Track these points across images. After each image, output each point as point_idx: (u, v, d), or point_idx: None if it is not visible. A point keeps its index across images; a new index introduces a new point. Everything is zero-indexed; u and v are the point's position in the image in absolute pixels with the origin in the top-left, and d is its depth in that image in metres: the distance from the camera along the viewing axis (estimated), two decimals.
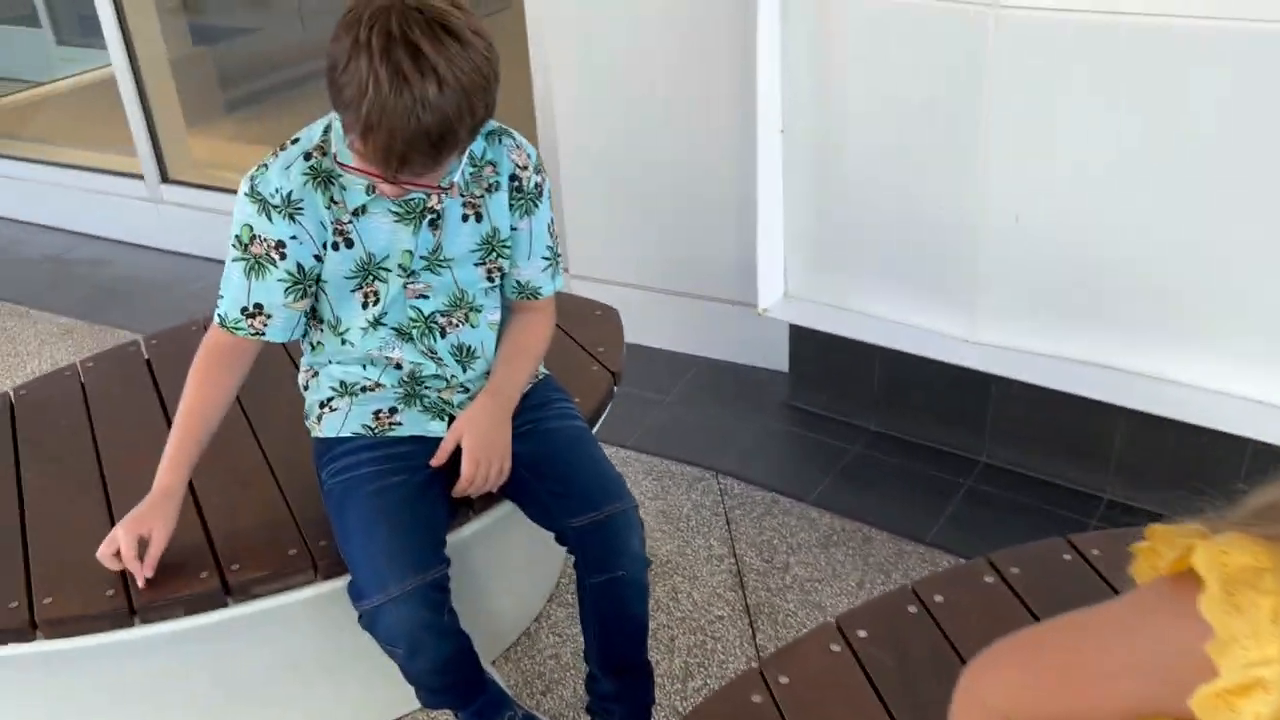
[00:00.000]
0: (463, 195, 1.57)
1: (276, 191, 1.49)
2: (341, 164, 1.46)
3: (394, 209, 1.54)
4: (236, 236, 1.53)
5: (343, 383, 1.67)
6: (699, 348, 2.98)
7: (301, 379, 1.74)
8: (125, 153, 3.91)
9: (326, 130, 1.52)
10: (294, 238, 1.51)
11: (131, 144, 3.80)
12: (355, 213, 1.52)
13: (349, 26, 1.33)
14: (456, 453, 1.62)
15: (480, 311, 1.67)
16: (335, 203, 1.51)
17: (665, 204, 2.82)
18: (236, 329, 1.55)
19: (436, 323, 1.63)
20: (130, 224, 3.92)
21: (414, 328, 1.63)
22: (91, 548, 1.54)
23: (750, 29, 2.36)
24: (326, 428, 1.68)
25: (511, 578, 2.06)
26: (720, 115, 2.62)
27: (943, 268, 2.35)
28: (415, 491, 1.60)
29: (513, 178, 1.60)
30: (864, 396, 2.63)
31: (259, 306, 1.54)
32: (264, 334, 1.56)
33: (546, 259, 1.69)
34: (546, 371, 1.82)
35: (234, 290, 1.54)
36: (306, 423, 1.73)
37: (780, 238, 2.53)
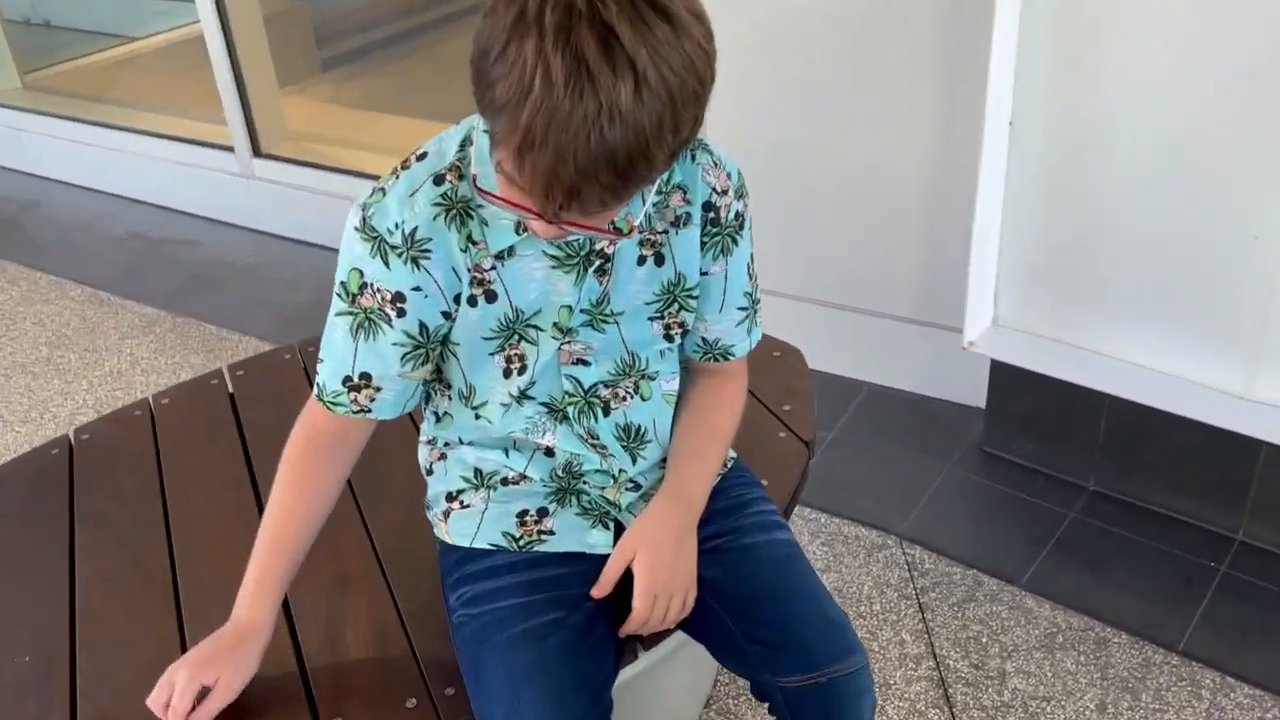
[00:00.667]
0: (641, 231, 1.14)
1: (397, 228, 1.07)
2: (482, 190, 1.03)
3: (550, 251, 1.12)
4: (342, 283, 1.11)
5: (478, 471, 1.27)
6: (871, 373, 2.52)
7: (423, 458, 1.34)
8: (216, 120, 3.56)
9: (465, 143, 1.10)
10: (417, 289, 1.09)
11: (221, 111, 3.45)
12: (499, 256, 1.11)
13: None
14: (625, 574, 1.21)
15: (654, 380, 1.25)
16: (474, 243, 1.09)
17: (837, 203, 2.35)
18: (335, 404, 1.15)
19: (599, 396, 1.22)
20: (220, 201, 3.58)
21: (570, 403, 1.21)
22: (150, 674, 1.16)
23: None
24: (456, 533, 1.27)
25: (669, 699, 1.65)
26: (922, 97, 2.13)
27: (1217, 305, 1.85)
28: (574, 636, 1.18)
29: (707, 207, 1.17)
30: (1083, 448, 2.15)
31: (366, 377, 1.14)
32: (370, 411, 1.16)
33: (743, 309, 1.26)
34: (734, 454, 1.39)
35: (336, 354, 1.14)
36: (429, 514, 1.34)
37: (995, 254, 2.05)
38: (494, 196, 1.00)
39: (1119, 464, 2.11)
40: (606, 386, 1.22)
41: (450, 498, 1.29)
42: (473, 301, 1.12)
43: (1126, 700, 1.75)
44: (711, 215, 1.17)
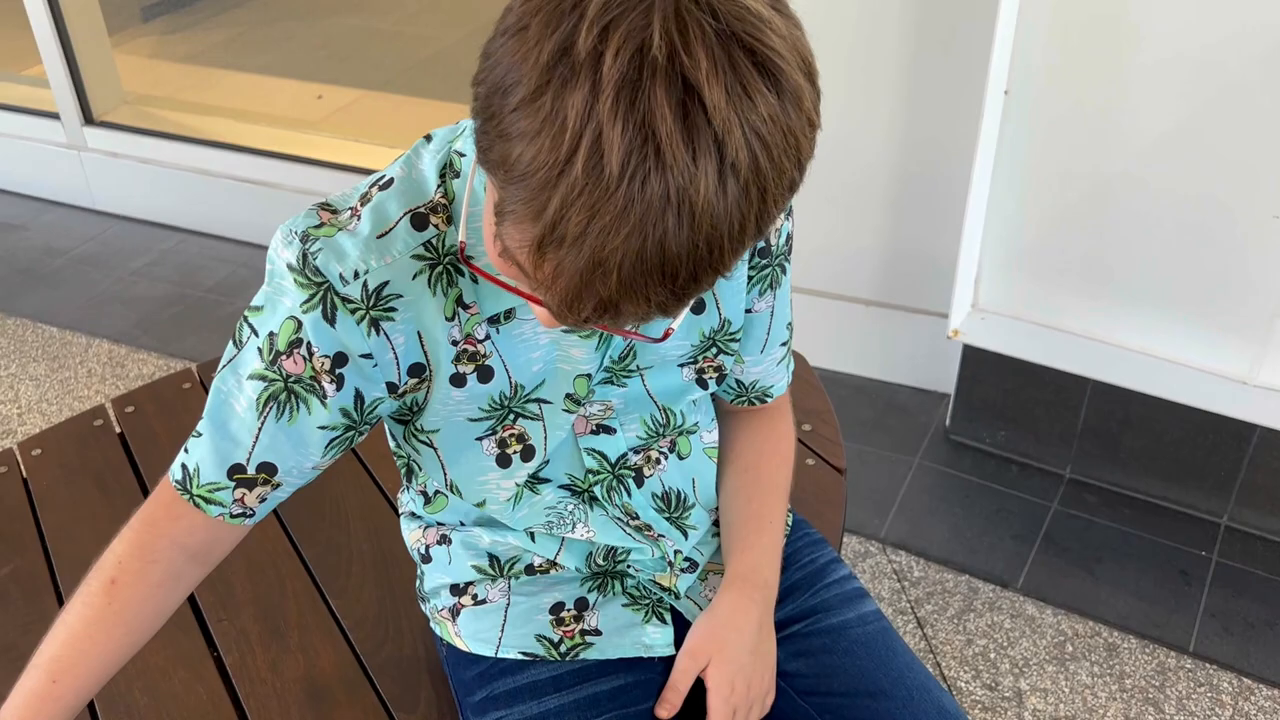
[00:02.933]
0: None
1: (357, 277, 0.78)
2: (469, 262, 0.76)
3: None
4: (270, 334, 0.80)
5: (494, 559, 1.01)
6: (824, 357, 2.34)
7: (412, 538, 1.07)
8: (34, 82, 3.06)
9: (445, 173, 0.81)
10: (367, 356, 0.81)
11: (43, 72, 2.95)
12: (494, 320, 0.84)
13: (559, 10, 0.59)
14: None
15: (693, 434, 1.01)
16: (465, 307, 0.82)
17: (811, 177, 2.14)
18: (208, 502, 0.84)
19: (630, 466, 0.97)
20: (48, 177, 3.08)
21: (596, 482, 0.96)
22: None
23: None
24: (473, 637, 1.01)
25: None
26: (902, 63, 1.94)
27: (1224, 288, 1.74)
28: None
29: None
30: (1057, 434, 2.04)
31: (267, 470, 0.84)
32: (253, 515, 0.86)
33: (785, 344, 1.05)
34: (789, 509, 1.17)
35: (227, 431, 0.83)
36: (424, 607, 1.07)
37: (979, 235, 1.89)
38: (491, 278, 0.74)
39: (1099, 451, 2.01)
40: (637, 452, 0.97)
41: (458, 590, 1.03)
42: (459, 381, 0.85)
43: (1151, 714, 1.65)
44: (761, 245, 0.93)
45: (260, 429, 0.82)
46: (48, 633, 0.84)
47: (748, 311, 0.96)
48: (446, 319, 0.81)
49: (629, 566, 1.02)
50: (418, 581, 1.08)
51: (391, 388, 0.84)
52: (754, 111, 0.59)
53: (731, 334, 0.95)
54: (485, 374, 0.85)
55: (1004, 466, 2.10)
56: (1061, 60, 1.70)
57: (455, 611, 1.02)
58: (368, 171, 2.70)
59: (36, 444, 1.46)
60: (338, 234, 0.78)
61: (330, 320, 0.78)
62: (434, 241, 0.79)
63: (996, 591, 1.85)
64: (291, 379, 0.80)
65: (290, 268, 0.78)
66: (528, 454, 0.91)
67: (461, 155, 0.82)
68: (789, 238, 0.96)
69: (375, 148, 2.84)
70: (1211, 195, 1.69)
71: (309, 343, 0.79)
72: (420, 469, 0.96)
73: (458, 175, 0.81)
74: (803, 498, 1.31)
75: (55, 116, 2.98)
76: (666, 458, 1.00)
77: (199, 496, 0.84)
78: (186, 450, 0.85)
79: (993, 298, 1.95)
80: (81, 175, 3.01)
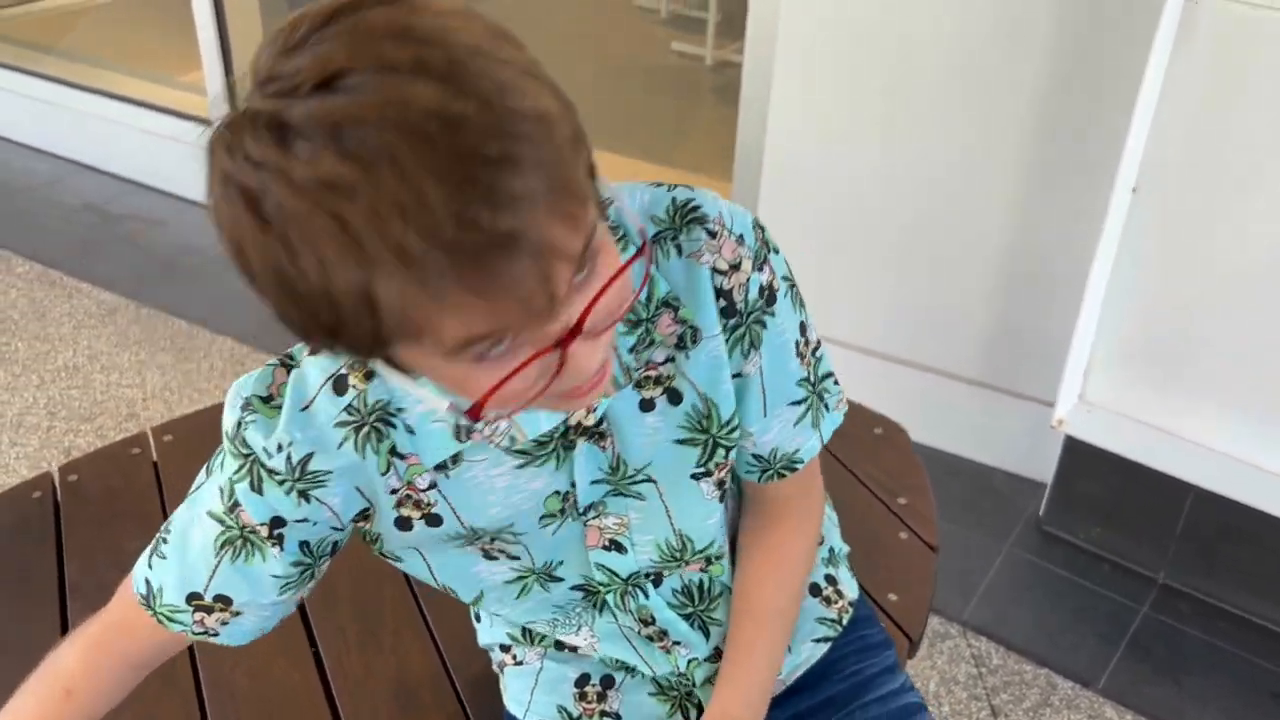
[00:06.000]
0: (621, 383, 0.80)
1: (280, 450, 0.76)
2: (403, 417, 0.77)
3: (512, 448, 0.79)
4: (219, 487, 0.80)
5: (526, 630, 1.00)
6: (924, 434, 2.33)
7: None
8: (194, 90, 3.24)
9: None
10: (304, 520, 0.80)
11: (200, 72, 3.12)
12: (441, 468, 0.80)
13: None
14: None
15: (722, 558, 0.95)
16: (401, 457, 0.78)
17: (912, 249, 2.16)
18: (171, 620, 0.83)
19: (645, 575, 0.92)
20: (194, 178, 3.25)
21: (608, 589, 0.92)
22: None
23: (1114, 30, 1.70)
24: (512, 697, 1.03)
25: None
26: (1030, 145, 1.95)
27: None
28: None
29: (719, 296, 0.80)
30: (1157, 538, 2.00)
31: (224, 601, 0.82)
32: (217, 635, 0.84)
33: (800, 401, 0.88)
34: (851, 589, 1.08)
35: (186, 561, 0.82)
36: (491, 656, 1.09)
37: (1093, 328, 1.88)
38: (496, 410, 0.64)
39: (1196, 559, 1.97)
40: (648, 577, 0.92)
41: (504, 648, 1.05)
42: (404, 524, 0.82)
43: None
44: (724, 305, 0.80)
45: (217, 566, 0.81)
46: None
47: (735, 376, 0.84)
48: (381, 474, 0.78)
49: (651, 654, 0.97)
50: (478, 633, 1.10)
51: (337, 529, 0.82)
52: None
53: (727, 425, 0.84)
54: (433, 520, 0.82)
55: (1095, 564, 2.06)
56: (1193, 161, 1.70)
57: (502, 667, 1.05)
58: None
59: (168, 430, 1.54)
60: (265, 408, 0.76)
61: (258, 491, 0.77)
62: (355, 404, 0.76)
63: (1076, 689, 1.82)
64: (248, 530, 0.79)
65: (226, 435, 0.78)
66: (514, 559, 0.87)
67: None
68: (765, 287, 0.81)
69: None
70: None
71: (243, 509, 0.78)
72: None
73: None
74: (890, 569, 1.31)
75: (208, 123, 3.14)
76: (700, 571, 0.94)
77: (161, 614, 0.83)
78: (150, 565, 0.83)
79: (1101, 391, 1.93)
80: None
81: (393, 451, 0.77)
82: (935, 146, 2.02)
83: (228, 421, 0.77)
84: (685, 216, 0.79)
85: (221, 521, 0.79)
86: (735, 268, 0.79)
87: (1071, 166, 1.91)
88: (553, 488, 0.82)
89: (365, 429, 0.76)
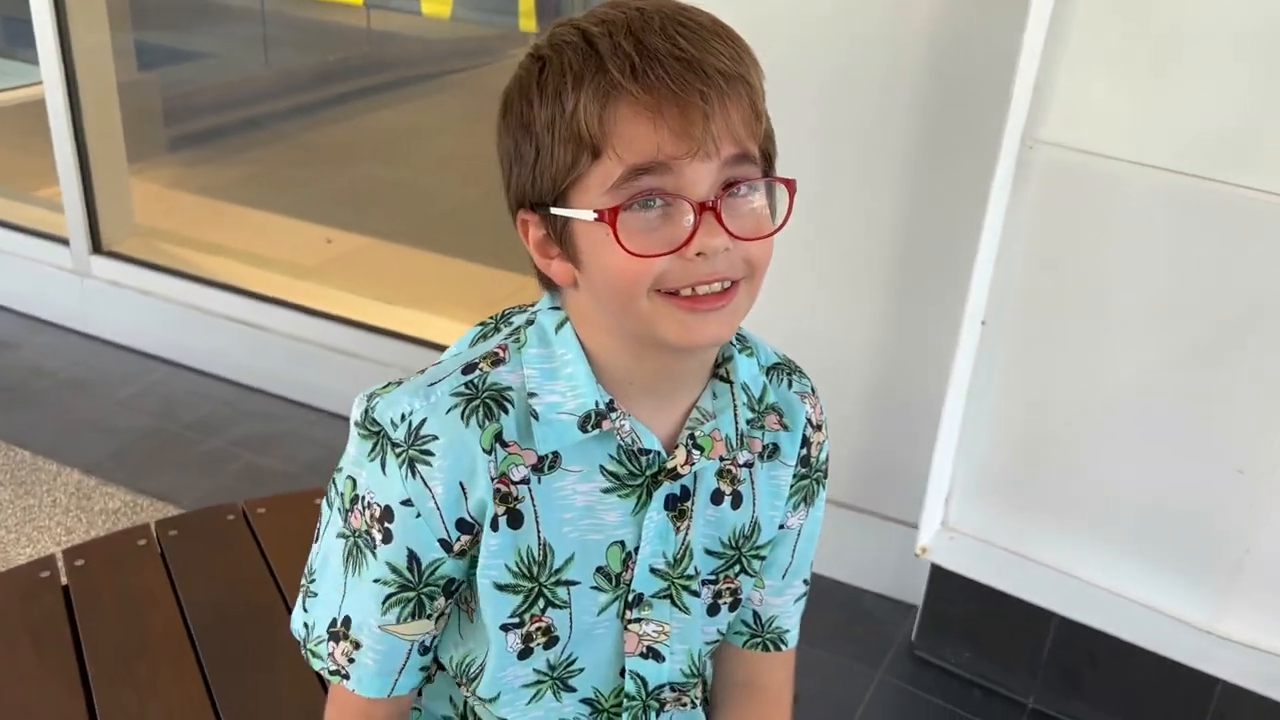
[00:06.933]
0: (724, 457, 0.87)
1: (404, 419, 0.81)
2: (533, 402, 0.83)
3: (608, 467, 0.84)
4: (340, 493, 0.86)
5: (464, 715, 0.98)
6: None
7: None
8: (47, 206, 3.13)
9: (514, 334, 0.86)
10: (408, 503, 0.82)
11: (58, 194, 3.02)
12: (538, 466, 0.83)
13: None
14: None
15: (696, 687, 0.99)
16: (504, 444, 0.82)
17: None
18: (314, 654, 0.88)
19: (660, 699, 0.94)
20: (48, 299, 3.12)
21: (627, 709, 0.93)
22: None
23: (958, 168, 1.75)
24: None
25: None
26: (882, 276, 1.99)
27: (1190, 534, 1.74)
28: None
29: (804, 442, 0.93)
30: (1025, 662, 2.00)
31: (347, 623, 0.87)
32: (347, 676, 0.87)
33: (807, 582, 1.02)
34: None
35: (329, 584, 0.88)
36: None
37: (951, 455, 1.90)
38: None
39: (1063, 684, 1.97)
40: (674, 689, 0.94)
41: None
42: (494, 524, 0.84)
43: None
44: (804, 453, 0.93)
45: (345, 584, 0.86)
46: None
47: (781, 527, 0.94)
48: (484, 450, 0.81)
49: None
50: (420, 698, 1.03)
51: (446, 546, 0.83)
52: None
53: (758, 547, 0.92)
54: (515, 519, 0.83)
55: (967, 690, 2.05)
56: (1038, 294, 1.75)
57: None
58: (357, 325, 2.74)
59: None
60: (398, 389, 0.83)
61: (383, 468, 0.82)
62: (475, 380, 0.82)
63: None
64: (358, 533, 0.84)
65: (356, 425, 0.84)
66: (550, 643, 0.88)
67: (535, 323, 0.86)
68: (828, 459, 0.96)
69: (372, 302, 2.88)
70: (1182, 440, 1.71)
71: (364, 496, 0.83)
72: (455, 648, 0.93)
73: (530, 324, 0.86)
74: None
75: (65, 242, 3.04)
76: (690, 708, 0.97)
77: (310, 650, 0.89)
78: (304, 609, 0.89)
79: (963, 518, 1.95)
80: (81, 301, 3.05)
81: (498, 436, 0.81)
82: (798, 274, 2.05)
83: (355, 413, 0.84)
84: (798, 367, 0.95)
85: (343, 536, 0.85)
86: (818, 428, 0.94)
87: (925, 298, 1.95)
88: (620, 535, 0.86)
89: (476, 402, 0.82)
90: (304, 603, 0.89)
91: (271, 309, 2.81)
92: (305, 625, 0.89)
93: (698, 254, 0.74)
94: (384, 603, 0.84)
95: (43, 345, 3.03)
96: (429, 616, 0.86)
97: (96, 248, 3.01)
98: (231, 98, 4.80)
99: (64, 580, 1.46)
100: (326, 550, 0.87)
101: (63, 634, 1.36)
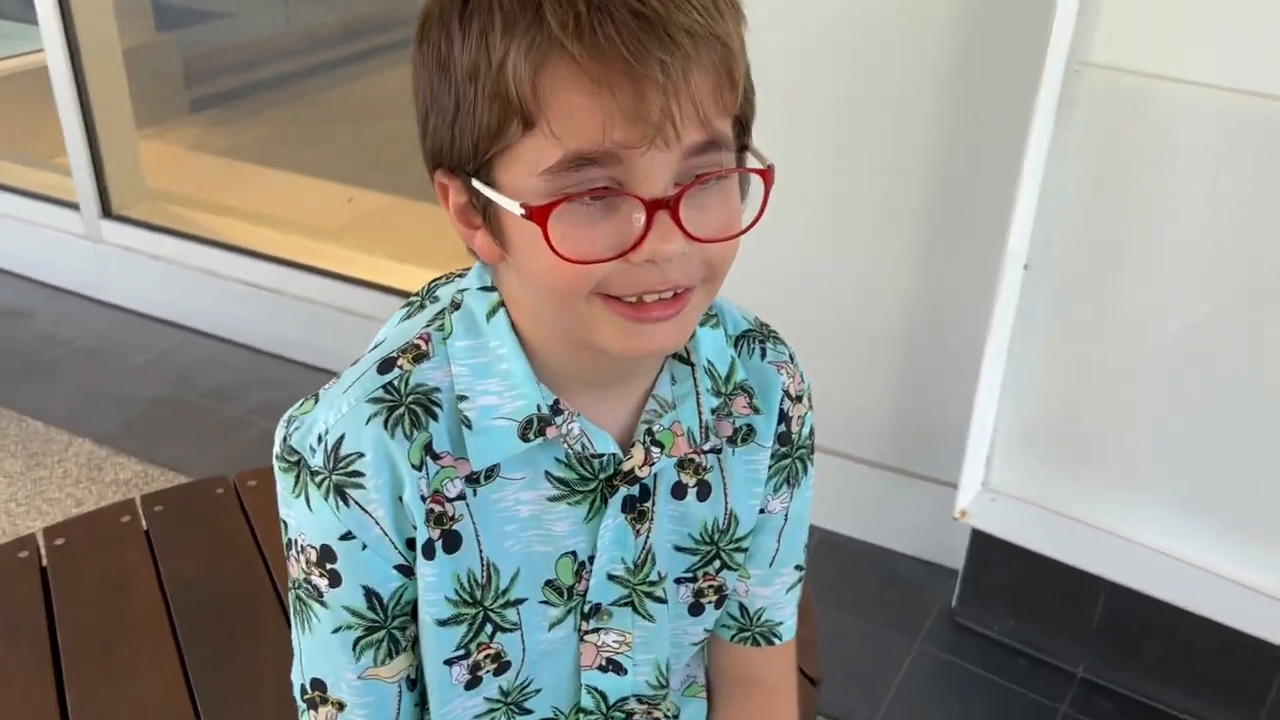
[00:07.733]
0: (708, 429, 0.77)
1: (320, 441, 0.70)
2: (463, 407, 0.71)
3: (555, 473, 0.73)
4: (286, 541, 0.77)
5: None
6: (826, 518, 2.21)
7: None
8: (59, 171, 3.06)
9: (438, 320, 0.74)
10: (348, 536, 0.71)
11: (65, 158, 2.95)
12: (473, 478, 0.72)
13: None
14: None
15: (698, 697, 0.93)
16: (434, 456, 0.71)
17: (819, 333, 2.04)
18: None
19: (626, 710, 0.85)
20: (60, 266, 3.06)
21: None
22: None
23: (1004, 116, 1.61)
24: None
25: None
26: (920, 224, 1.85)
27: (1250, 495, 1.60)
28: None
29: (781, 417, 0.81)
30: (1074, 630, 1.87)
31: (319, 686, 0.77)
32: None
33: (800, 568, 0.90)
34: None
35: (298, 643, 0.79)
36: None
37: (993, 412, 1.77)
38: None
39: (1115, 652, 1.84)
40: (641, 702, 0.85)
41: None
42: (428, 551, 0.73)
43: None
44: (782, 430, 0.82)
45: (300, 644, 0.77)
46: None
47: (761, 511, 0.83)
48: (413, 466, 0.70)
49: None
50: None
51: (404, 570, 0.74)
52: None
53: (738, 540, 0.82)
54: (452, 541, 0.73)
55: (1012, 658, 1.93)
56: (1086, 234, 1.60)
57: None
58: (379, 287, 2.64)
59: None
60: (315, 405, 0.72)
61: (308, 502, 0.71)
62: (395, 382, 0.71)
63: None
64: (297, 584, 0.75)
65: (276, 459, 0.73)
66: (501, 670, 0.79)
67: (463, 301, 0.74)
68: (812, 433, 0.85)
69: (394, 264, 2.79)
70: (1244, 391, 1.56)
71: (297, 541, 0.73)
72: None
73: (457, 307, 0.73)
74: None
75: (75, 207, 2.97)
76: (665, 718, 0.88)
77: (302, 707, 0.80)
78: (295, 662, 0.81)
79: (1006, 478, 1.82)
80: (94, 267, 2.98)
81: (427, 448, 0.70)
82: (822, 218, 1.91)
83: (277, 442, 0.73)
84: (772, 332, 0.83)
85: (292, 588, 0.76)
86: (798, 399, 0.82)
87: (963, 243, 1.81)
88: (572, 544, 0.76)
89: (400, 410, 0.70)
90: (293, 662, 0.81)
91: (290, 272, 2.72)
92: (293, 683, 0.80)
93: (647, 260, 0.61)
94: (354, 649, 0.75)
95: (56, 313, 2.97)
96: (405, 650, 0.77)
97: (106, 212, 2.93)
98: (252, 57, 4.71)
99: (44, 561, 1.38)
100: (292, 602, 0.78)
101: (39, 619, 1.29)
